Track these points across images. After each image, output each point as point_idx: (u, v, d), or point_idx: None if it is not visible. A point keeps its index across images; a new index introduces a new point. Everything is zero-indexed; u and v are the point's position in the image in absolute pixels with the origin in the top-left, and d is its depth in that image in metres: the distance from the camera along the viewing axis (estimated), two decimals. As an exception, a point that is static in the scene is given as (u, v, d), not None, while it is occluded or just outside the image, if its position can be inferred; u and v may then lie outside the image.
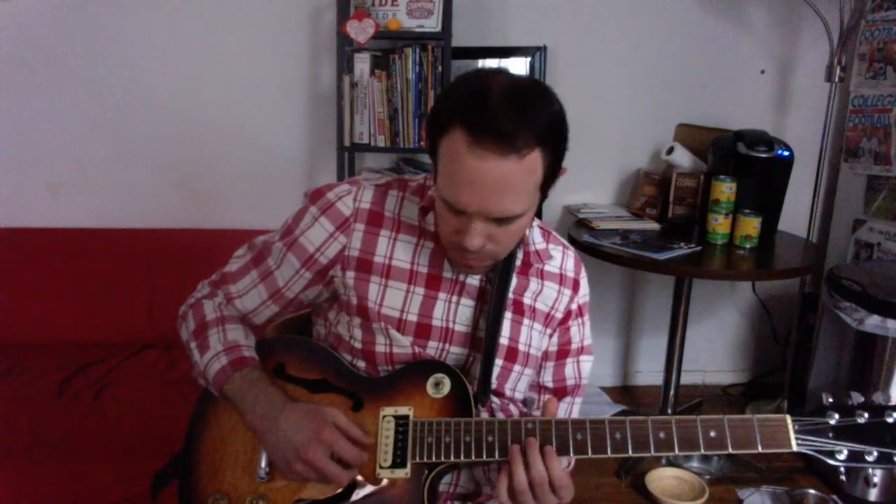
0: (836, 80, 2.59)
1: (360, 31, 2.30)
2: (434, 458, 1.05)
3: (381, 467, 1.06)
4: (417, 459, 1.05)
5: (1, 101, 2.56)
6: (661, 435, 1.00)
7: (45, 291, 2.43)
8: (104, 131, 2.63)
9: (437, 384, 1.09)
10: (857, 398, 0.99)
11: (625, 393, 3.11)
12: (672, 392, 2.66)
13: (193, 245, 2.53)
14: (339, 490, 1.07)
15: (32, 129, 2.59)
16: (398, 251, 1.13)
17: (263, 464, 1.09)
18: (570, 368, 1.24)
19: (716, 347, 3.18)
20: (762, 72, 2.90)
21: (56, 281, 2.45)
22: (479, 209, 0.97)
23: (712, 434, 0.99)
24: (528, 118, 0.94)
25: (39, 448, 1.84)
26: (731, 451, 0.99)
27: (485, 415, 1.15)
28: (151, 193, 2.68)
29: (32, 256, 2.48)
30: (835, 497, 2.30)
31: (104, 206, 2.66)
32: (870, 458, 0.97)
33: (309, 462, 1.02)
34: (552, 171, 1.00)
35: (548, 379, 1.24)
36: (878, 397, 0.99)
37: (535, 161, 0.96)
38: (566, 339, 1.24)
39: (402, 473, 1.06)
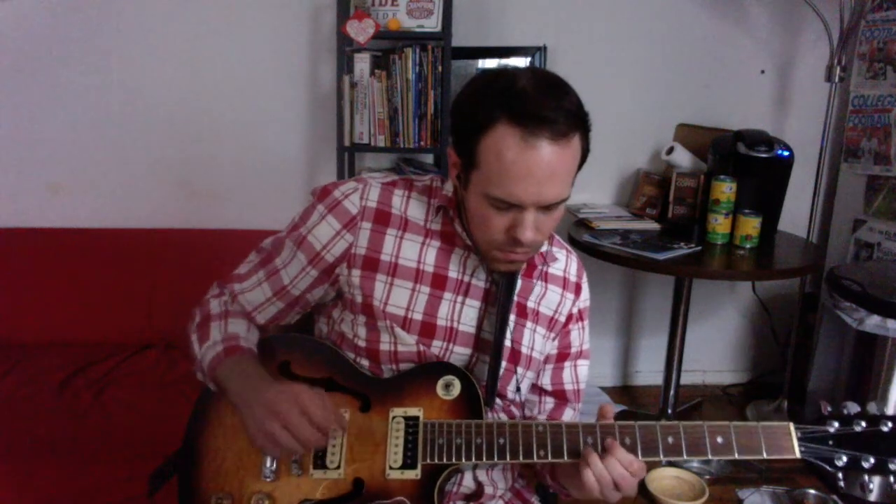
0: (836, 80, 2.59)
1: (360, 31, 2.30)
2: (445, 460, 1.05)
3: (390, 468, 1.06)
4: (428, 461, 1.05)
5: (1, 101, 2.56)
6: (670, 440, 1.02)
7: (45, 291, 2.43)
8: (104, 131, 2.62)
9: (447, 386, 1.10)
10: (854, 408, 1.03)
11: (625, 393, 3.11)
12: (672, 392, 2.66)
13: (193, 245, 2.53)
14: (347, 491, 1.07)
15: (32, 129, 2.59)
16: (405, 250, 1.13)
17: (269, 463, 1.09)
18: (567, 373, 1.25)
19: (716, 347, 3.18)
20: (762, 72, 2.90)
21: (56, 281, 2.45)
22: (535, 200, 0.98)
23: (719, 440, 1.01)
24: (565, 103, 0.97)
25: (39, 448, 1.84)
26: (737, 456, 1.01)
27: (493, 417, 1.15)
28: (151, 193, 2.68)
29: (32, 256, 2.48)
30: (835, 497, 2.30)
31: (104, 206, 2.66)
32: (866, 466, 1.01)
33: (278, 415, 0.99)
34: (585, 154, 1.03)
35: (546, 382, 1.24)
36: (872, 407, 1.03)
37: (576, 144, 0.99)
38: (566, 343, 1.24)
39: (413, 474, 1.06)
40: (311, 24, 2.63)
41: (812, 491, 2.33)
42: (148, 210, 2.67)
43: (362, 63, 2.40)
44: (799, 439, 1.01)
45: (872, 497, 2.31)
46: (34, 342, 2.38)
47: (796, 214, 2.75)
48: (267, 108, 2.69)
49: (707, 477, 2.43)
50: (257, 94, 2.67)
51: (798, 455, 1.01)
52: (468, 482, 1.18)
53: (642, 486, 2.35)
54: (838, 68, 2.57)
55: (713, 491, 2.35)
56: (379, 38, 2.37)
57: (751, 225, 2.43)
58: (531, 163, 0.96)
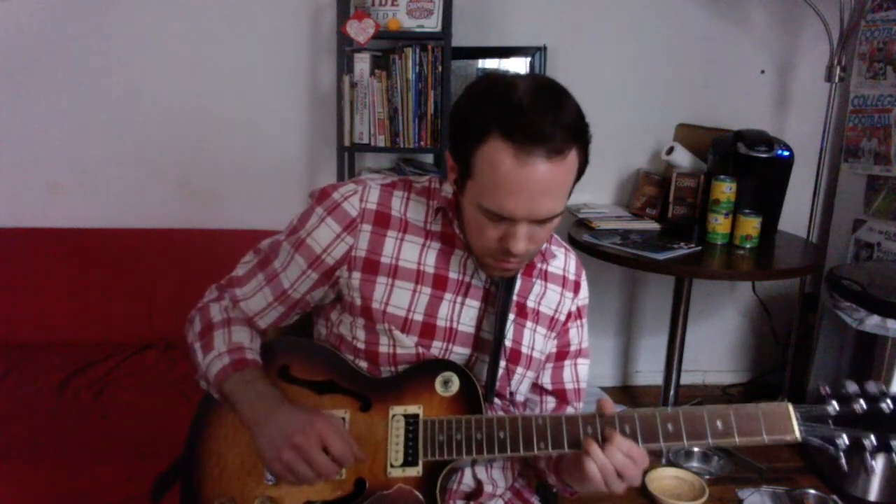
0: (836, 80, 2.59)
1: (360, 31, 2.30)
2: (446, 456, 1.05)
3: (392, 466, 1.07)
4: (429, 457, 1.06)
5: (1, 101, 2.56)
6: (670, 427, 1.02)
7: (45, 291, 2.43)
8: (104, 131, 2.62)
9: (445, 383, 1.10)
10: (853, 387, 1.02)
11: (625, 393, 3.11)
12: (672, 392, 2.66)
13: (193, 245, 2.53)
14: (349, 491, 1.06)
15: (32, 129, 2.59)
16: (405, 251, 1.13)
17: None
18: (567, 372, 1.25)
19: (716, 347, 3.18)
20: (762, 72, 2.91)
21: (56, 281, 2.45)
22: (527, 214, 0.98)
23: (719, 425, 1.01)
24: (562, 118, 0.95)
25: (39, 448, 1.84)
26: (737, 440, 1.00)
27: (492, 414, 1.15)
28: (151, 193, 2.68)
29: (32, 256, 2.48)
30: (835, 497, 2.30)
31: (104, 206, 2.66)
32: (868, 445, 1.00)
33: (298, 447, 1.00)
34: (583, 165, 1.01)
35: (546, 381, 1.24)
36: (871, 386, 1.02)
37: (573, 159, 0.98)
38: (565, 342, 1.24)
39: (414, 472, 1.06)
40: (311, 24, 2.63)
41: (812, 491, 2.33)
42: (148, 210, 2.67)
43: (362, 63, 2.40)
44: (799, 420, 1.01)
45: (873, 496, 2.32)
46: (34, 342, 2.38)
47: (796, 214, 2.75)
48: (267, 109, 2.69)
49: (707, 477, 2.43)
50: (257, 94, 2.67)
51: (798, 436, 1.00)
52: (468, 480, 1.18)
53: (642, 486, 2.35)
54: (838, 68, 2.57)
55: (713, 491, 2.35)
56: (379, 38, 2.37)
57: (751, 225, 2.43)
58: (524, 179, 0.95)
